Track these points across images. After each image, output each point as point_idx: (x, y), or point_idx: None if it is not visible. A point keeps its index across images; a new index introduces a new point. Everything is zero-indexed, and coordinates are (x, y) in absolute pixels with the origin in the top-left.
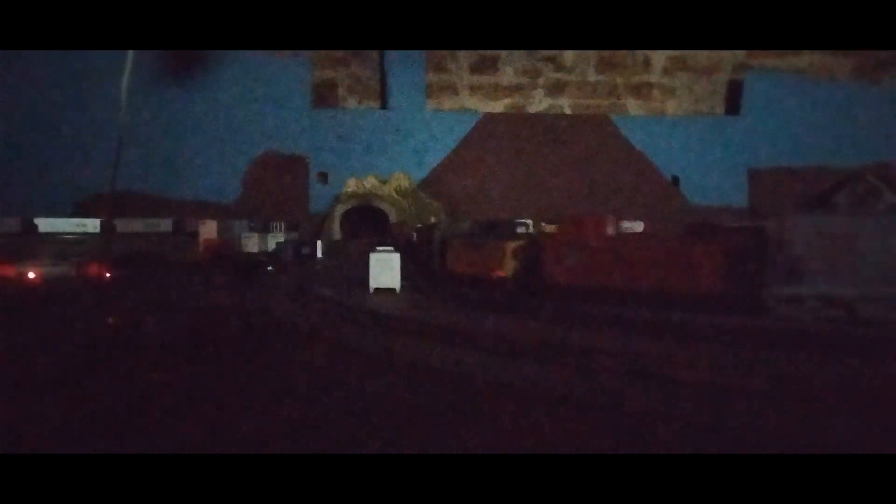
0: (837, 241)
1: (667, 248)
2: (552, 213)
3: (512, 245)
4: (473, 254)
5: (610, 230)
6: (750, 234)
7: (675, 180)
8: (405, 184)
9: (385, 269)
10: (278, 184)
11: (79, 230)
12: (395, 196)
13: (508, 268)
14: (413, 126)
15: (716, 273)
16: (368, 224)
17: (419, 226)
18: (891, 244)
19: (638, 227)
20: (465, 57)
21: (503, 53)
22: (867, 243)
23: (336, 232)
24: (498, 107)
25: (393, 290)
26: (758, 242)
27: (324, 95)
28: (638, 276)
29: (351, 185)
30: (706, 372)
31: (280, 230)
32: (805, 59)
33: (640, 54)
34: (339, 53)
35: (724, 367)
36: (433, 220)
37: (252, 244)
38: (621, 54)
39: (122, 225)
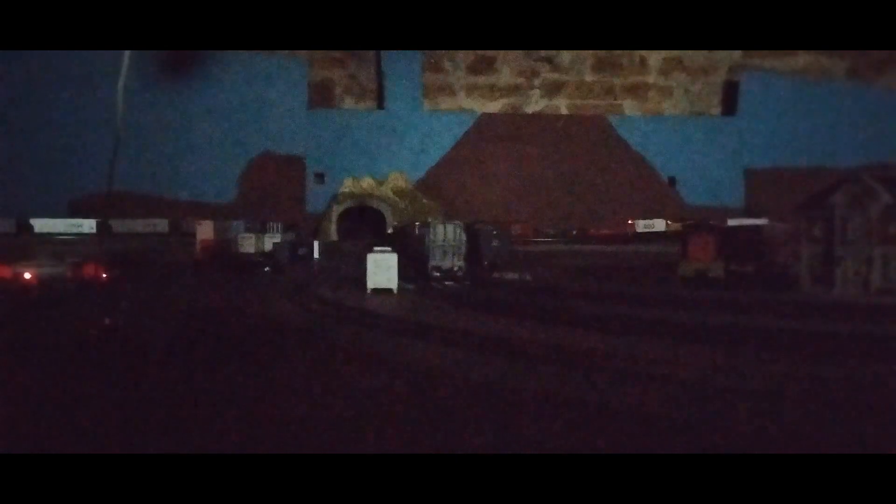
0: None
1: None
2: (548, 212)
3: None
4: None
5: None
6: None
7: (672, 181)
8: (402, 184)
9: (382, 270)
10: (275, 184)
11: (75, 230)
12: (392, 196)
13: None
14: (410, 126)
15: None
16: (365, 224)
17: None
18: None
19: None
20: (462, 57)
21: (500, 54)
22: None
23: (333, 232)
24: (495, 107)
25: (390, 290)
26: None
27: (321, 96)
28: None
29: (348, 185)
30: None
31: (277, 230)
32: (801, 59)
33: (636, 55)
34: (337, 54)
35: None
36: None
37: (249, 244)
38: (618, 55)
39: (119, 225)
